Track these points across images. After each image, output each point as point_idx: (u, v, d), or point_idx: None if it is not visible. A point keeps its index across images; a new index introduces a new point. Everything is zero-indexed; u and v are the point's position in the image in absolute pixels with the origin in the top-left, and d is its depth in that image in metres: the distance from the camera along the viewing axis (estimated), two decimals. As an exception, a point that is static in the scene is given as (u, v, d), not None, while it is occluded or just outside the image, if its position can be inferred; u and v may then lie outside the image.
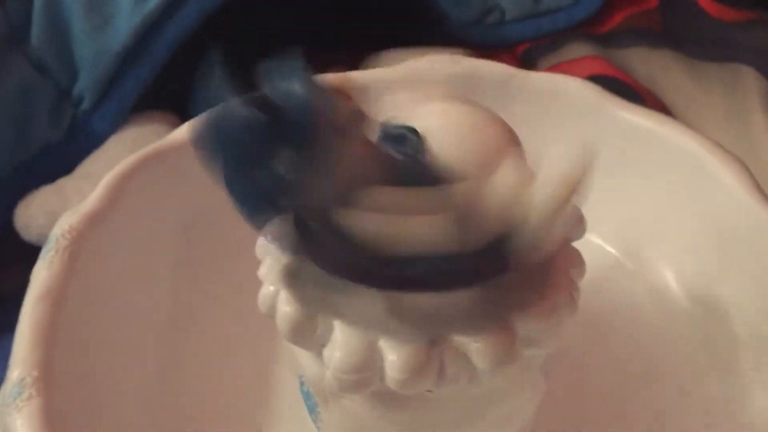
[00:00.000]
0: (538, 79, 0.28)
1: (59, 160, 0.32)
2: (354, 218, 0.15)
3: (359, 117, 0.17)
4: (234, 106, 0.15)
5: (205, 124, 0.15)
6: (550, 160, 0.16)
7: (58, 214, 0.30)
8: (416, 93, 0.18)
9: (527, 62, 0.41)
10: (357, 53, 0.38)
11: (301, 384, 0.21)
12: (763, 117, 0.35)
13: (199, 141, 0.15)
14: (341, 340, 0.17)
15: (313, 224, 0.16)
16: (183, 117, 0.34)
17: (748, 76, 0.37)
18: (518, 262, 0.16)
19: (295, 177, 0.15)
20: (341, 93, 0.17)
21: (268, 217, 0.16)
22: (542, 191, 0.16)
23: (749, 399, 0.22)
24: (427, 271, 0.16)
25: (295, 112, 0.15)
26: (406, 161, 0.16)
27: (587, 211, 0.19)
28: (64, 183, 0.31)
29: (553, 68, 0.39)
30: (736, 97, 0.36)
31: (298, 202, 0.15)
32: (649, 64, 0.39)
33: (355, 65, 0.36)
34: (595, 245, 0.27)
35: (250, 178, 0.15)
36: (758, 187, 0.23)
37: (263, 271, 0.19)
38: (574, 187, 0.16)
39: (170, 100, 0.34)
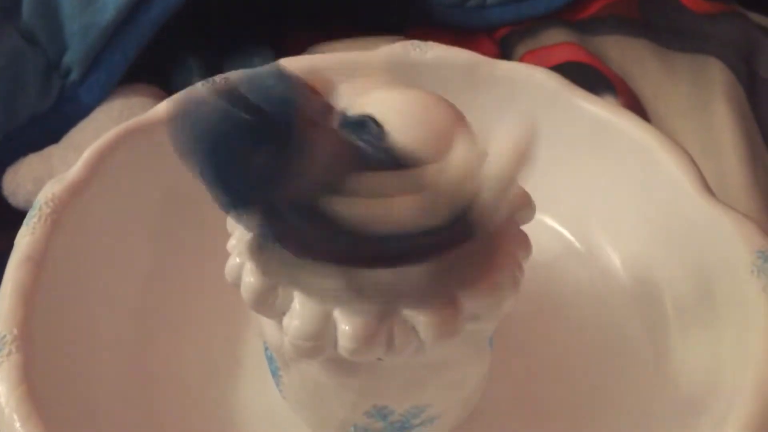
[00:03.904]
0: (504, 67, 0.28)
1: (47, 129, 0.32)
2: (341, 204, 0.16)
3: (328, 109, 0.17)
4: (211, 99, 0.16)
5: (181, 117, 0.16)
6: (497, 135, 0.17)
7: (45, 181, 0.30)
8: (361, 82, 0.18)
9: (506, 47, 0.41)
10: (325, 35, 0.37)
11: (266, 349, 0.22)
12: (725, 108, 0.35)
13: (176, 133, 0.16)
14: (299, 310, 0.18)
15: (290, 211, 0.16)
16: (168, 90, 0.34)
17: (715, 67, 0.38)
18: (481, 229, 0.17)
19: (281, 170, 0.16)
20: (311, 86, 0.17)
21: (252, 208, 0.17)
22: (494, 163, 0.17)
23: (679, 373, 0.23)
24: (405, 246, 0.17)
25: (275, 108, 0.16)
26: (371, 148, 0.17)
27: (544, 194, 0.20)
28: (51, 151, 0.32)
29: (530, 53, 0.40)
30: (701, 88, 0.37)
31: (285, 193, 0.16)
32: (623, 51, 0.40)
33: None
34: (549, 227, 0.28)
35: (235, 172, 0.16)
36: (703, 180, 0.24)
37: (231, 244, 0.20)
38: (522, 157, 0.17)
39: (156, 73, 0.34)
